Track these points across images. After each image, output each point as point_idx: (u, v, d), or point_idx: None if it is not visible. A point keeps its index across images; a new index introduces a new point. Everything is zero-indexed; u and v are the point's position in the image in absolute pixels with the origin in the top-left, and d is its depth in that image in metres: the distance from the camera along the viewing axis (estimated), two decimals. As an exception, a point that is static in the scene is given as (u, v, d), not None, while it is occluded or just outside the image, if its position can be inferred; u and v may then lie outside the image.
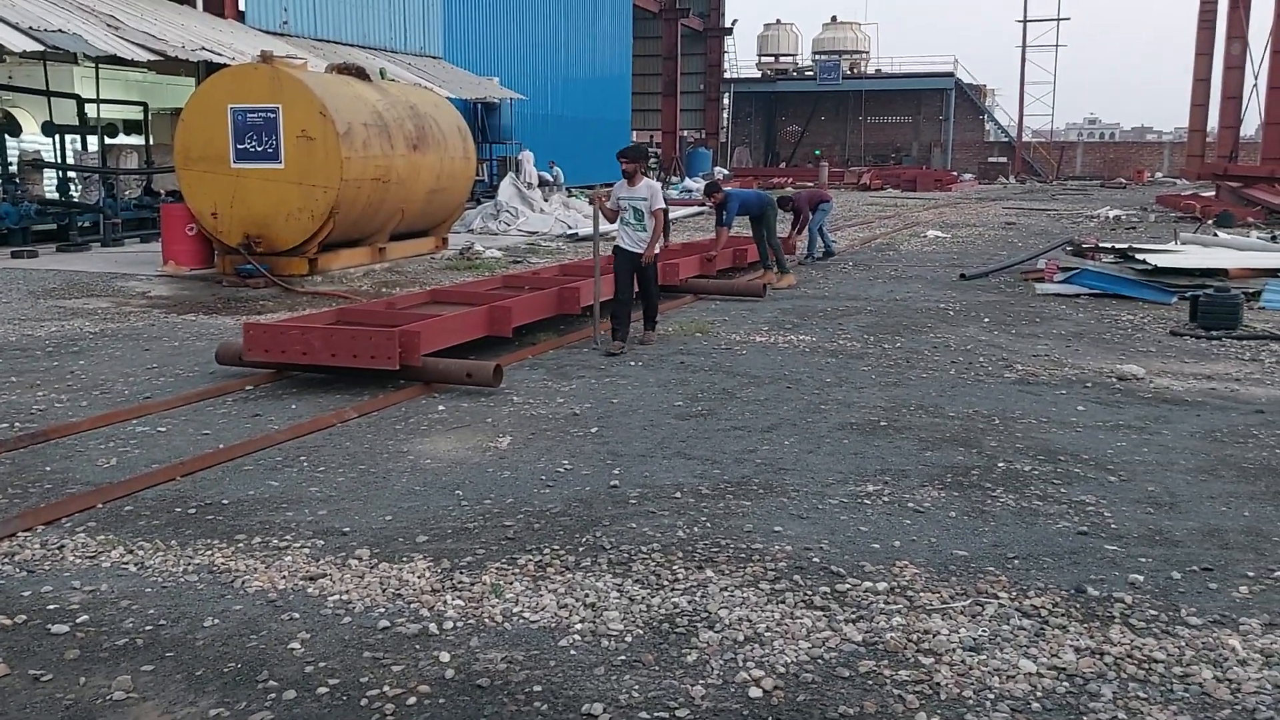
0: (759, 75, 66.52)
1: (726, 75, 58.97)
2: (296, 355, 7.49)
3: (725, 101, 59.80)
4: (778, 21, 66.55)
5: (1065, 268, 13.87)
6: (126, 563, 4.38)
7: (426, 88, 19.80)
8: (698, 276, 12.92)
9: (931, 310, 11.68)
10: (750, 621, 3.88)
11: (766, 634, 3.78)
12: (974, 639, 3.75)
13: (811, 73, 64.43)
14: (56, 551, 4.49)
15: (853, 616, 3.94)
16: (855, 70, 64.53)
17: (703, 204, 16.19)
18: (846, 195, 38.97)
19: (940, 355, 9.08)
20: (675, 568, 4.39)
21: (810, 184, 44.77)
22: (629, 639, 3.75)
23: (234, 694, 3.35)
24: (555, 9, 35.26)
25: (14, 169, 17.67)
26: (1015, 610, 3.99)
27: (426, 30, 28.24)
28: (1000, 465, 5.86)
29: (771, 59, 66.61)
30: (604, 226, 9.62)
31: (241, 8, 22.54)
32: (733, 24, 57.32)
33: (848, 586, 4.20)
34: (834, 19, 65.83)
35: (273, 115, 13.12)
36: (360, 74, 15.25)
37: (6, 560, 4.39)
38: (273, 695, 3.34)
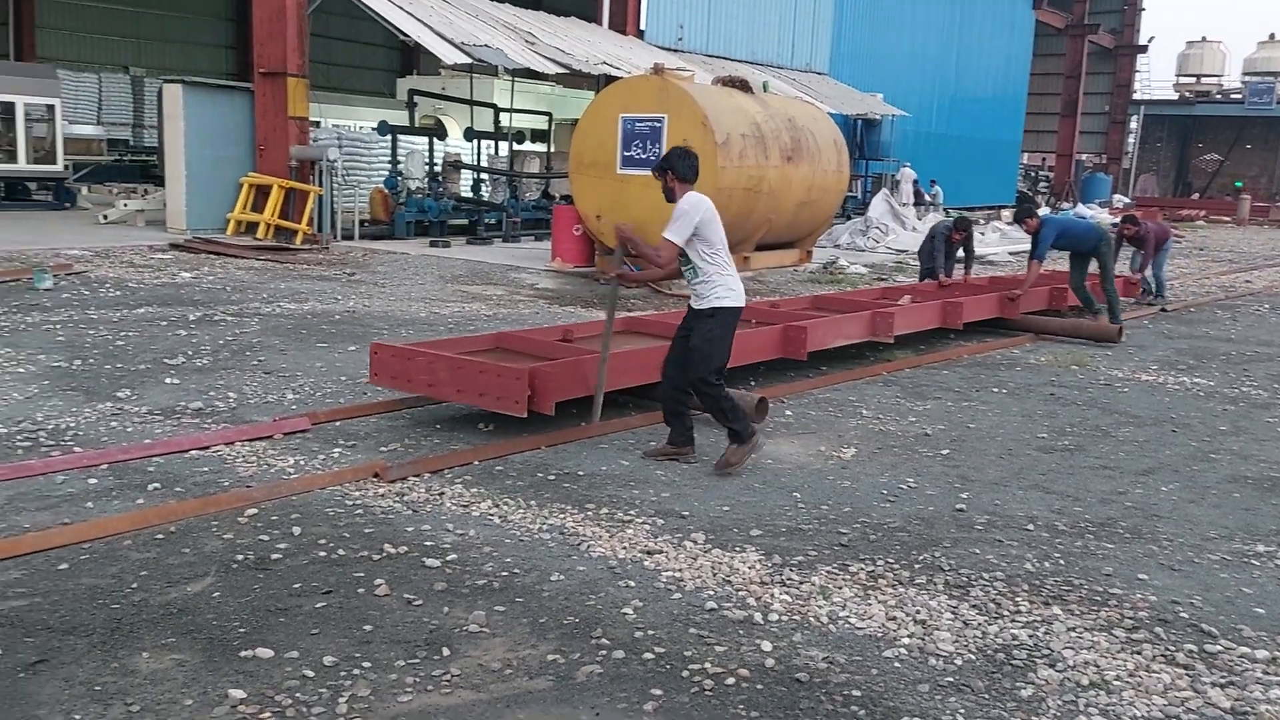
0: (1175, 97, 60.69)
1: (1136, 96, 54.39)
2: (422, 386, 6.41)
3: (1132, 124, 55.15)
4: (1203, 39, 60.24)
5: None
6: (492, 514, 4.82)
7: (808, 102, 20.01)
8: (1005, 318, 11.10)
9: (1364, 364, 10.09)
10: (1098, 667, 3.56)
11: (1115, 683, 3.46)
12: (1377, 733, 3.20)
13: (1239, 95, 57.78)
14: (437, 497, 5.03)
15: (1221, 680, 3.49)
16: (1294, 93, 57.02)
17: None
18: (1269, 233, 34.62)
19: (1370, 414, 7.82)
20: (1018, 599, 4.12)
21: (1227, 219, 40.23)
22: (959, 662, 3.58)
23: (570, 644, 3.58)
24: (949, 26, 34.28)
25: (439, 169, 19.99)
26: None
27: (814, 47, 28.55)
28: None
29: (1192, 79, 60.45)
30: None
31: (642, 26, 24.00)
32: (1149, 41, 52.78)
33: (1219, 648, 3.74)
34: (1272, 36, 58.59)
35: (658, 124, 13.85)
36: (744, 86, 15.70)
37: (397, 499, 4.98)
38: (604, 651, 3.53)
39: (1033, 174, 46.97)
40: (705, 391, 5.72)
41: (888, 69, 31.15)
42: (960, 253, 12.32)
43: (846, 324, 9.00)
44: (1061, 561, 4.57)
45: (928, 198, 26.89)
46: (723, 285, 5.70)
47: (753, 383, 7.92)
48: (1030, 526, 5.03)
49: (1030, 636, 3.79)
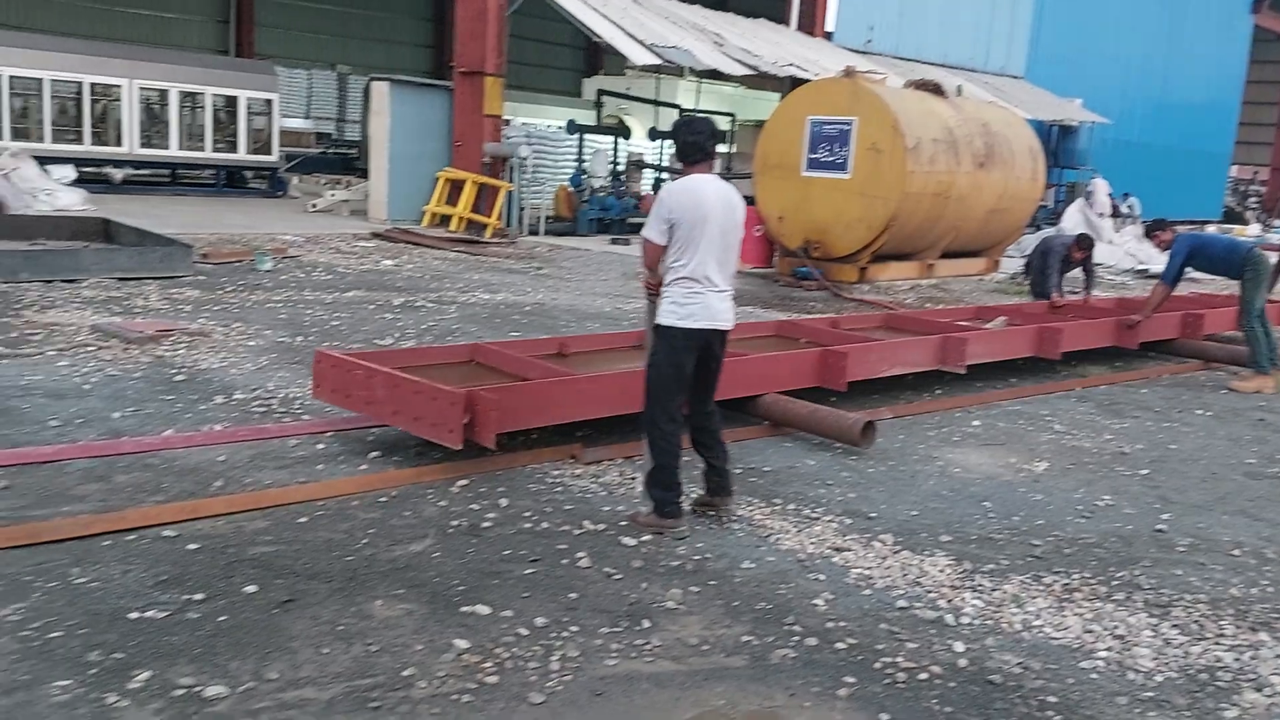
0: None
1: (1363, 107, 50.21)
2: (360, 404, 5.61)
3: (1359, 137, 50.96)
4: None
5: None
6: (682, 502, 4.98)
7: (1003, 107, 19.44)
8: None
9: None
10: (1310, 696, 3.45)
11: (1330, 714, 3.34)
12: None
13: None
14: (630, 481, 5.23)
15: None
16: None
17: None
18: None
19: None
20: (1223, 623, 4.01)
21: None
22: (1159, 679, 3.53)
23: (764, 628, 3.71)
24: (1157, 29, 32.50)
25: (621, 168, 20.43)
26: None
27: (1010, 50, 27.65)
28: None
29: None
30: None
31: (830, 28, 23.84)
32: (1380, 47, 48.57)
33: None
34: None
35: (847, 127, 13.78)
36: (936, 90, 15.43)
37: (592, 480, 5.23)
38: (796, 638, 3.65)
39: (1242, 188, 44.02)
40: (651, 432, 4.62)
41: (1088, 73, 29.79)
42: (1079, 272, 11.07)
43: (905, 350, 7.72)
44: (1270, 589, 4.41)
45: (1124, 209, 25.66)
46: (671, 299, 4.53)
47: (939, 391, 7.86)
48: (1236, 552, 4.85)
49: (1236, 660, 3.70)
